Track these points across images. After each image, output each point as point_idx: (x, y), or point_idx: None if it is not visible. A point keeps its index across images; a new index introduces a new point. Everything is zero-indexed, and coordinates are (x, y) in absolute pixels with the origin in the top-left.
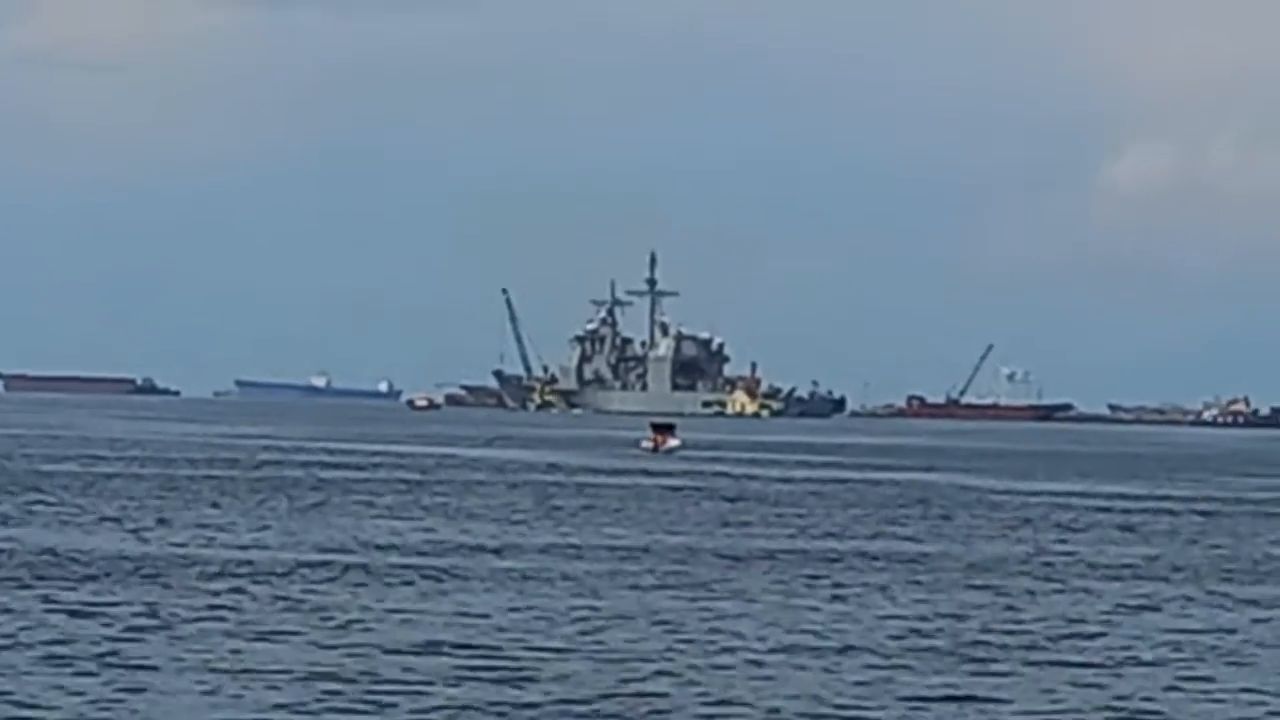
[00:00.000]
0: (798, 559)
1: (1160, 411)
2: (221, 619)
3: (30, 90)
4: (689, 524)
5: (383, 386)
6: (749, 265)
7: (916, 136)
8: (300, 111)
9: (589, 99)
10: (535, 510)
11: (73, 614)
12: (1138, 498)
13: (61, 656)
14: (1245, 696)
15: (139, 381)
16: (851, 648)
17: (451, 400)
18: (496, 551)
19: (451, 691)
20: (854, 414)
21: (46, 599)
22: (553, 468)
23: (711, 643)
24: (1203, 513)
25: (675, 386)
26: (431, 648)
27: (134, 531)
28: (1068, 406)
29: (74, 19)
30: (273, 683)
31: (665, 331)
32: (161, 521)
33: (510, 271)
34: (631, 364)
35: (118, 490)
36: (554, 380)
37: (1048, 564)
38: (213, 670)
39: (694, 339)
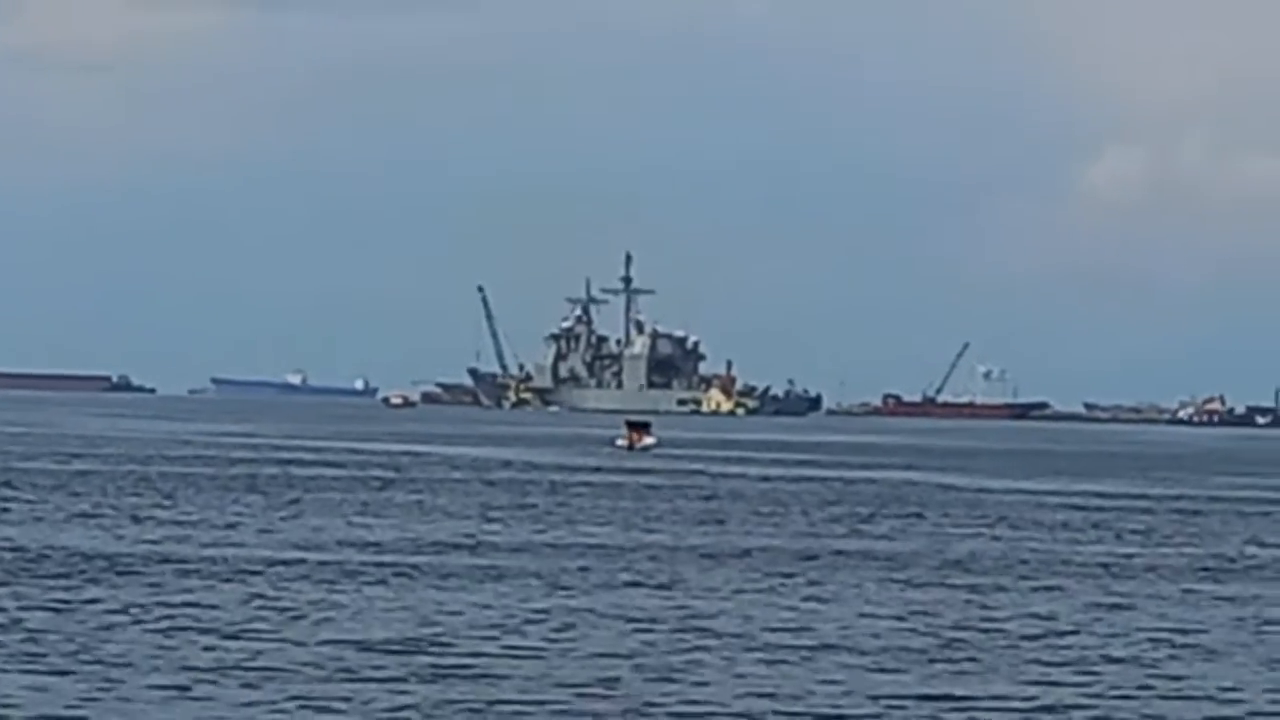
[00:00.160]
0: (773, 557)
1: (1136, 410)
2: (195, 617)
3: (13, 91)
4: (664, 522)
5: (359, 384)
6: (724, 264)
7: (895, 139)
8: (277, 113)
9: (568, 101)
10: (509, 508)
11: (44, 612)
12: (1113, 496)
13: (33, 655)
14: (1221, 694)
15: (115, 379)
16: (827, 646)
17: (427, 398)
18: (470, 549)
19: (426, 689)
20: (830, 412)
21: (18, 596)
22: (527, 466)
23: (687, 641)
24: (1178, 511)
25: (650, 385)
26: (407, 645)
27: (107, 529)
28: (1044, 405)
29: (59, 19)
30: (247, 680)
31: (640, 329)
32: (134, 519)
33: (486, 269)
34: (606, 362)
35: (90, 487)
36: (529, 378)
37: (1023, 562)
38: (186, 668)
39: (669, 337)
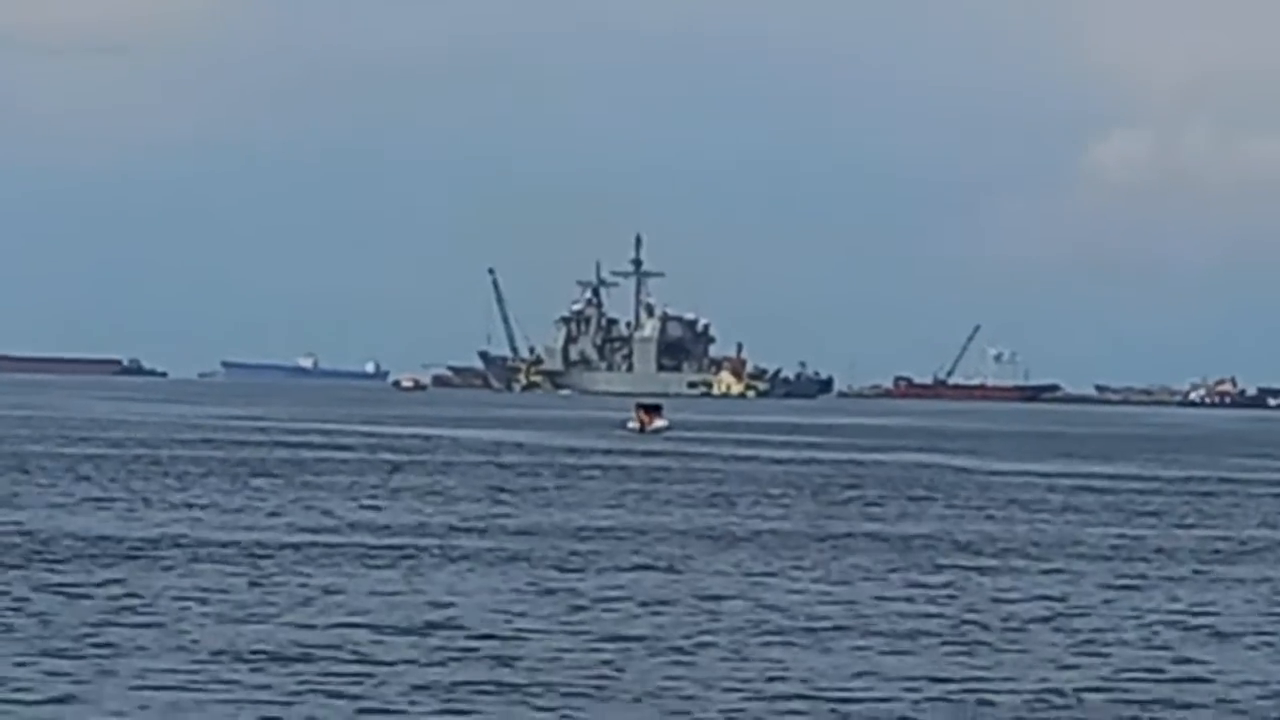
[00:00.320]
0: (784, 540)
1: (1148, 392)
2: (203, 600)
3: (14, 74)
4: (674, 505)
5: (369, 367)
6: (734, 248)
7: (902, 128)
8: (289, 98)
9: (580, 92)
10: (519, 491)
11: (53, 595)
12: (1124, 478)
13: (42, 639)
14: (1231, 677)
15: (125, 363)
16: (838, 628)
17: (438, 381)
18: (480, 532)
19: (438, 672)
20: (841, 395)
21: (27, 580)
22: (538, 448)
23: (697, 624)
24: (1189, 493)
25: (660, 367)
26: (417, 628)
27: (115, 512)
28: (1055, 387)
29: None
30: (257, 664)
31: (650, 312)
32: (144, 502)
33: (497, 253)
34: (617, 345)
35: (100, 471)
36: (539, 361)
37: (1034, 544)
38: (195, 652)
39: (679, 320)
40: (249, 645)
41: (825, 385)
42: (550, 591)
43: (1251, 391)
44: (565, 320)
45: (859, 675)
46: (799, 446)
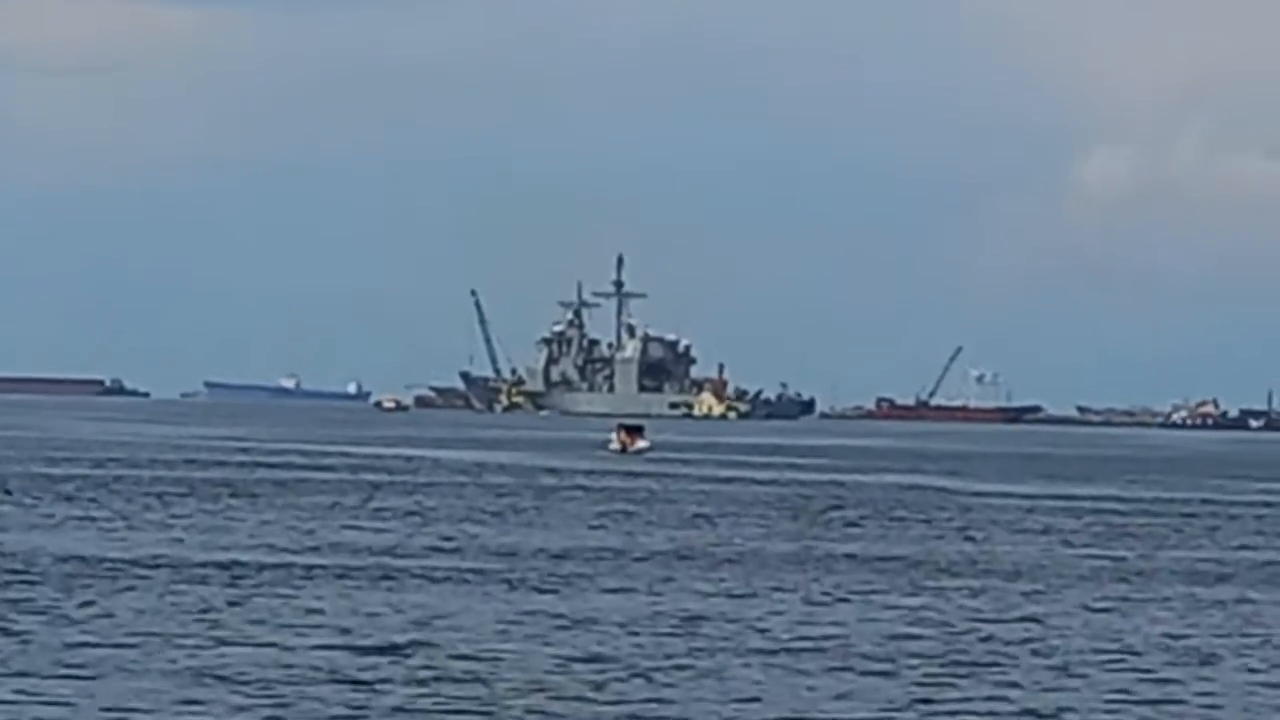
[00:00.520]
0: (765, 562)
1: (1129, 414)
2: (184, 620)
3: (5, 92)
4: (654, 526)
5: (352, 388)
6: (716, 267)
7: (887, 142)
8: (268, 114)
9: (561, 103)
10: (499, 512)
11: (32, 615)
12: (1104, 499)
13: (21, 658)
14: (1208, 701)
15: (108, 383)
16: (818, 650)
17: (420, 402)
18: (461, 553)
19: (417, 692)
20: (823, 416)
21: (7, 600)
22: (519, 469)
23: (678, 645)
24: (1169, 515)
25: (642, 388)
26: (399, 649)
27: (97, 533)
28: (1037, 409)
29: (49, 19)
30: (236, 685)
31: (632, 333)
32: (124, 522)
33: (479, 273)
34: (598, 365)
35: (81, 491)
36: (521, 382)
37: (1015, 566)
38: (176, 673)
39: (661, 341)
40: (229, 666)
41: (807, 406)
42: (531, 612)
43: (1233, 413)
44: (547, 341)
45: (839, 697)
46: (780, 468)
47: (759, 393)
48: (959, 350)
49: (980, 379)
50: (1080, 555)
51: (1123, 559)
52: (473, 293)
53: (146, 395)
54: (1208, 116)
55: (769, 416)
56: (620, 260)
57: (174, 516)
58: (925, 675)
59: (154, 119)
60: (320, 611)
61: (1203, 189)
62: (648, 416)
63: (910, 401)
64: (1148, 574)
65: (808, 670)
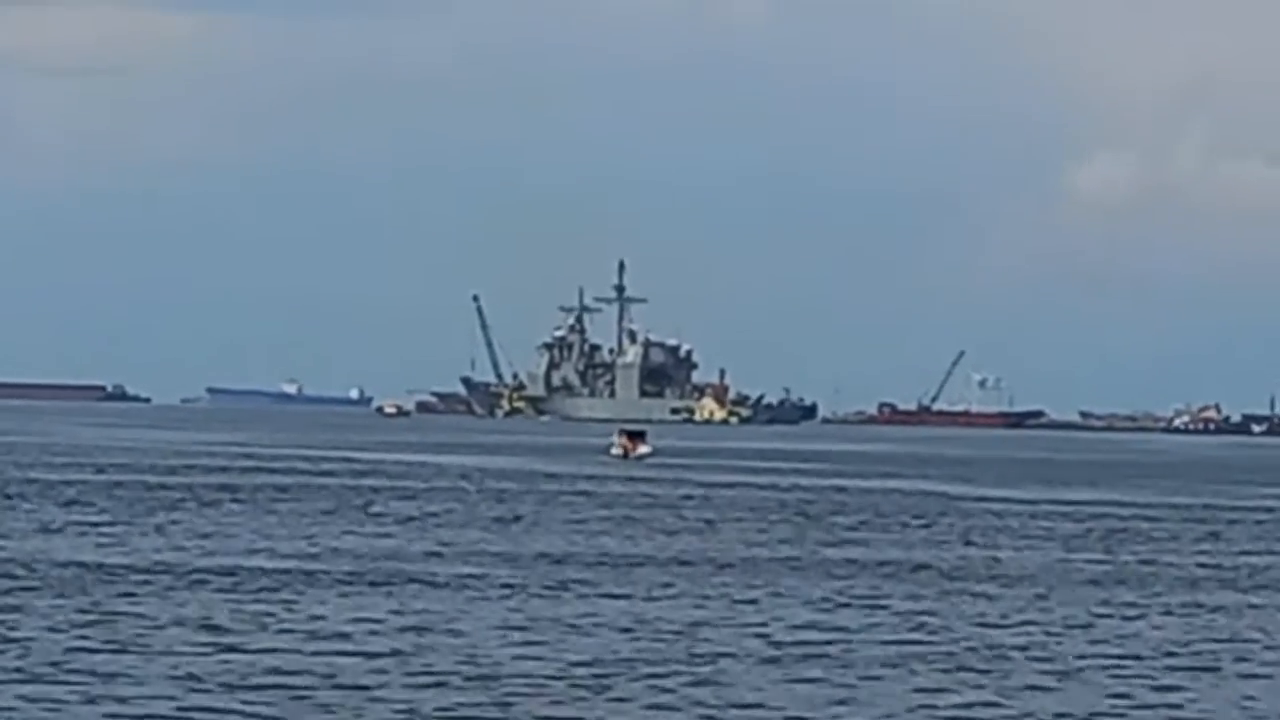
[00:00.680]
0: (766, 566)
1: (1131, 419)
2: (187, 626)
3: (7, 95)
4: (658, 531)
5: (354, 394)
6: (717, 272)
7: (888, 149)
8: (276, 119)
9: (564, 112)
10: (501, 517)
11: (35, 620)
12: (1106, 504)
13: (26, 666)
14: (1209, 704)
15: (109, 388)
16: (821, 654)
17: (422, 407)
18: (462, 558)
19: (420, 697)
20: (826, 421)
21: (11, 605)
22: (520, 474)
23: (679, 650)
24: (1171, 520)
25: (643, 393)
26: (401, 654)
27: (98, 538)
28: (1039, 413)
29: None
30: (239, 690)
31: (633, 338)
32: (127, 528)
33: (481, 278)
34: (599, 371)
35: (82, 496)
36: (522, 387)
37: (1018, 570)
38: (177, 678)
39: (662, 346)
40: (231, 672)
41: (808, 412)
42: (533, 618)
43: (1235, 418)
44: (548, 346)
45: (840, 702)
46: (782, 473)
47: (760, 398)
48: (961, 355)
49: (982, 384)
50: (1082, 560)
51: (1124, 564)
52: (474, 298)
53: (148, 401)
54: (1208, 121)
55: (770, 421)
56: (621, 265)
57: (174, 522)
58: (926, 679)
59: (155, 123)
60: (322, 617)
61: (1204, 194)
62: (649, 422)
63: (912, 406)
64: (1149, 579)
65: (810, 676)
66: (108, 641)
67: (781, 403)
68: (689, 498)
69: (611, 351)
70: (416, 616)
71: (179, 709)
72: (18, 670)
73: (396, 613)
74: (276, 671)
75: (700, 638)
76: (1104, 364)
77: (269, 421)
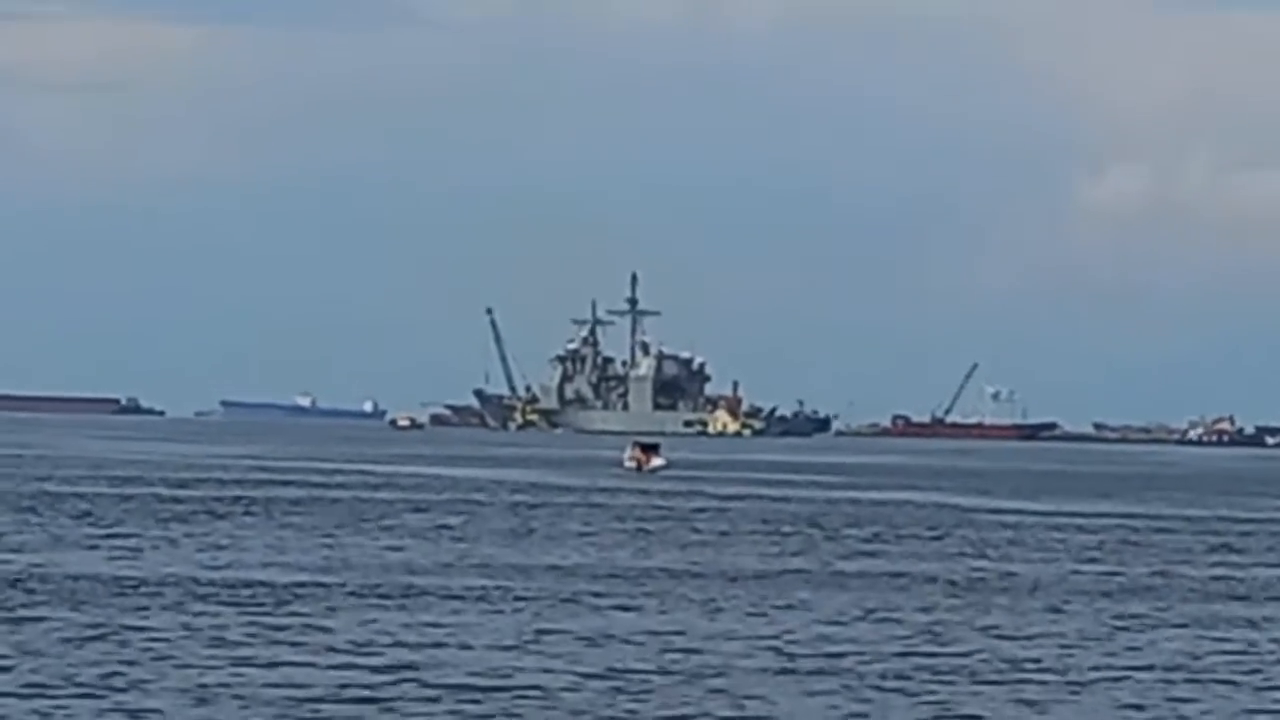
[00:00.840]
0: (779, 579)
1: (1146, 430)
2: (201, 640)
3: (9, 110)
4: (673, 544)
5: (368, 406)
6: (730, 285)
7: (900, 160)
8: (285, 131)
9: (574, 123)
10: (513, 530)
11: (47, 635)
12: (1118, 516)
13: (36, 679)
14: (1219, 718)
15: (123, 401)
16: (833, 667)
17: (436, 420)
18: (476, 570)
19: (433, 710)
20: (839, 433)
21: (21, 621)
22: (532, 487)
23: (693, 662)
24: (1185, 532)
25: (656, 406)
26: (410, 667)
27: (112, 552)
28: (1052, 426)
29: (60, 38)
30: (254, 705)
31: (646, 351)
32: (140, 541)
33: (494, 291)
34: (613, 383)
35: (96, 509)
36: (535, 400)
37: (1031, 583)
38: (191, 691)
39: (675, 358)
40: (243, 685)
41: (822, 424)
42: (545, 630)
43: (1250, 430)
44: (561, 359)
45: (853, 715)
46: (796, 485)
47: (773, 410)
48: (975, 367)
49: (996, 396)
50: (1095, 572)
51: (1137, 576)
52: (488, 311)
53: (162, 414)
54: (1218, 132)
55: (784, 434)
56: (634, 278)
57: (187, 535)
58: (940, 693)
59: (161, 136)
60: (334, 630)
61: (1216, 205)
62: (662, 434)
63: (926, 419)
64: (1163, 591)
65: (823, 688)
66: (119, 654)
67: (795, 415)
68: (702, 510)
69: (624, 364)
70: (429, 629)
71: None
72: (29, 684)
73: (408, 625)
74: (288, 685)
75: (713, 650)
76: (1117, 376)
77: (282, 434)
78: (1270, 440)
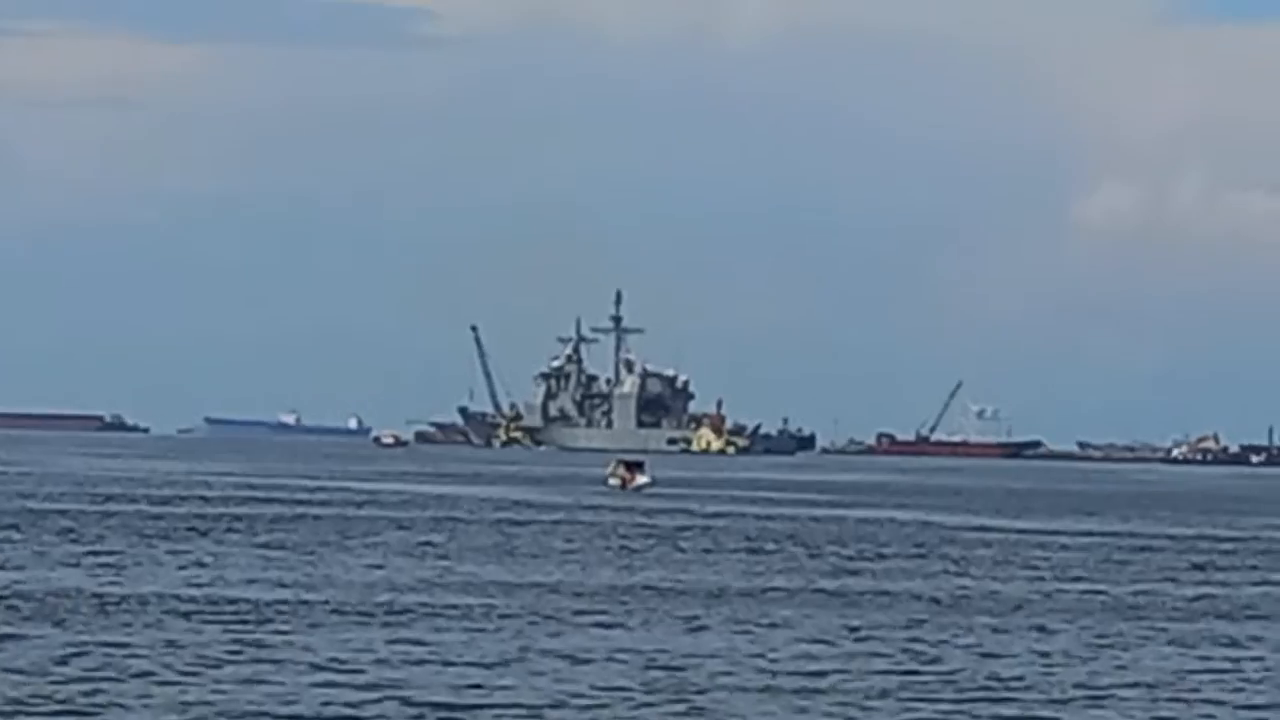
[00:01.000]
0: (765, 598)
1: (1130, 449)
2: (184, 658)
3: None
4: (652, 563)
5: (352, 423)
6: (714, 303)
7: (887, 176)
8: (273, 149)
9: (562, 139)
10: (496, 548)
11: (30, 653)
12: (1102, 534)
13: (16, 697)
14: None
15: (107, 418)
16: (817, 686)
17: (421, 437)
18: (457, 589)
19: None
20: (824, 451)
21: (2, 639)
22: (516, 505)
23: (675, 680)
24: (1168, 550)
25: (640, 424)
26: (392, 684)
27: (95, 569)
28: (1037, 444)
29: (44, 56)
30: None
31: (630, 369)
32: (124, 559)
33: (479, 309)
34: (596, 401)
35: (79, 527)
36: (519, 417)
37: (1015, 600)
38: (176, 709)
39: (659, 376)
40: (224, 703)
41: (806, 442)
42: (528, 648)
43: (1234, 448)
44: (545, 376)
45: None
46: (780, 503)
47: (757, 428)
48: (959, 385)
49: (981, 414)
50: (1078, 590)
51: (1120, 594)
52: (473, 328)
53: (146, 431)
54: (1209, 152)
55: (767, 451)
56: (618, 296)
57: (170, 553)
58: (924, 711)
59: (152, 153)
60: (315, 648)
61: (1205, 225)
62: (646, 452)
63: (911, 437)
64: (1145, 609)
65: (806, 706)
66: (101, 672)
67: (779, 433)
68: (687, 528)
69: (609, 382)
70: (412, 647)
71: None
72: (11, 700)
73: (391, 643)
74: (270, 703)
75: (697, 668)
76: (1102, 394)
77: (266, 451)
78: (1254, 459)
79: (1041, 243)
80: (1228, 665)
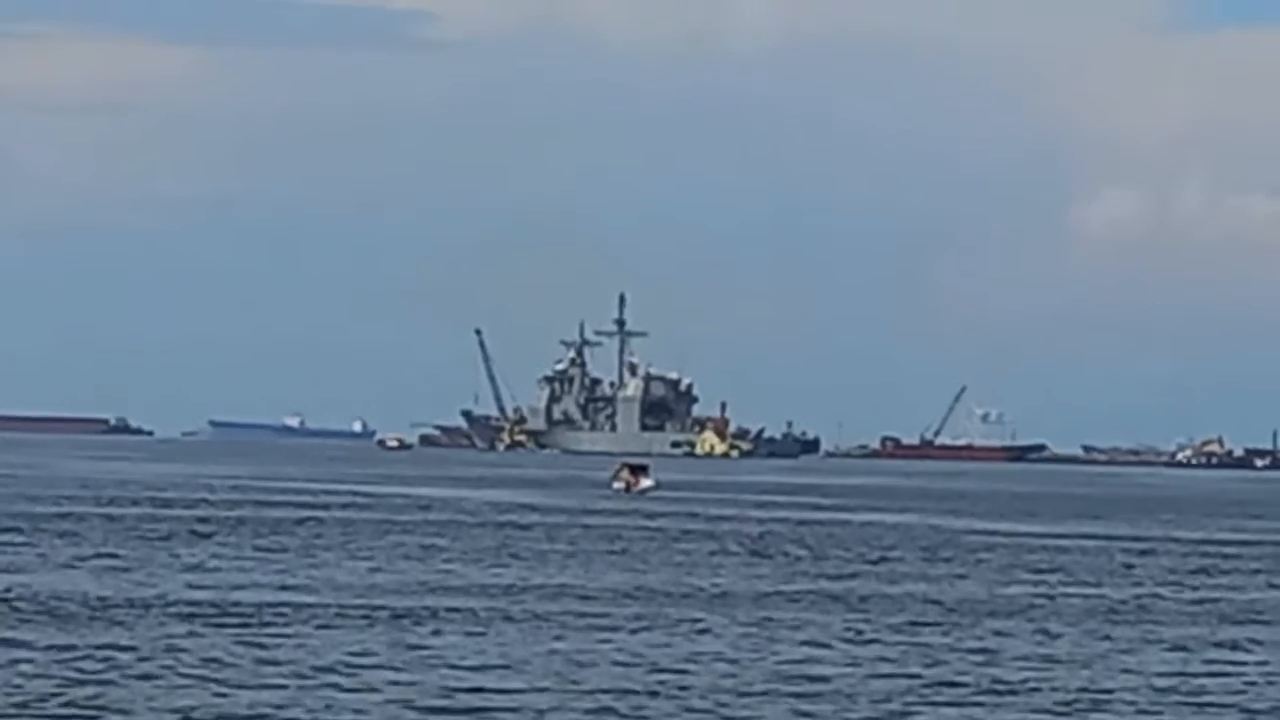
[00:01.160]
0: (769, 601)
1: (1134, 452)
2: (189, 661)
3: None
4: (661, 565)
5: (356, 426)
6: (718, 306)
7: (891, 182)
8: (276, 152)
9: (565, 142)
10: (500, 550)
11: (31, 655)
12: (1106, 538)
13: (22, 702)
14: None
15: (112, 421)
16: (820, 689)
17: (425, 441)
18: (463, 592)
19: None
20: (829, 454)
21: (4, 642)
22: (521, 508)
23: (677, 684)
24: (1172, 554)
25: (644, 427)
26: (394, 685)
27: (100, 572)
28: (1041, 447)
29: (44, 61)
30: None
31: (634, 372)
32: (127, 562)
33: (483, 312)
34: (600, 404)
35: (82, 530)
36: (523, 420)
37: (1018, 604)
38: (171, 712)
39: (663, 379)
40: (227, 707)
41: (810, 445)
42: (531, 650)
43: (1238, 452)
44: (549, 380)
45: None
46: (784, 506)
47: (761, 431)
48: (964, 389)
49: (985, 418)
50: (1081, 594)
51: (1123, 598)
52: (477, 331)
53: (150, 434)
54: (1211, 158)
55: (771, 455)
56: (622, 299)
57: (173, 555)
58: (927, 714)
59: (152, 157)
60: (318, 650)
61: (1207, 229)
62: (649, 455)
63: (915, 440)
64: (1148, 613)
65: (810, 710)
66: (103, 675)
67: (783, 436)
68: (690, 531)
69: (612, 385)
70: (414, 650)
71: None
72: (14, 704)
73: (394, 646)
74: (272, 705)
75: (701, 671)
76: (1106, 398)
77: (270, 454)
78: (1259, 462)
79: (1045, 246)
80: (1231, 669)
